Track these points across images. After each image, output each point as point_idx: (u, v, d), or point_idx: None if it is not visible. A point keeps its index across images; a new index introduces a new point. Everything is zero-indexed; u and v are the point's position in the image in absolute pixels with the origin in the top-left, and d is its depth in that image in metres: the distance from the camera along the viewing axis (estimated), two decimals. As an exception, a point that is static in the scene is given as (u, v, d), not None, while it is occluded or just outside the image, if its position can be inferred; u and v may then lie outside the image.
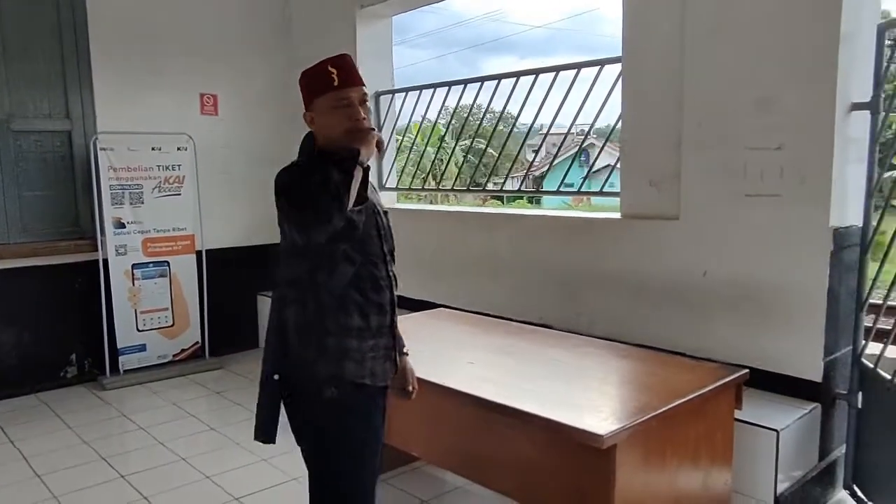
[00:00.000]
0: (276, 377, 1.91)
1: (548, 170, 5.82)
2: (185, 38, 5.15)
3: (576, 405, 2.23)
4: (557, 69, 4.04)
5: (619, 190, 3.68)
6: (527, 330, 3.19)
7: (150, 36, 4.98)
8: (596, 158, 4.50)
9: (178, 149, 4.96)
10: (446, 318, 3.55)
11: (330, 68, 1.86)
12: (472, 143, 12.05)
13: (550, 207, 12.91)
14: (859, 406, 2.97)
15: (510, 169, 8.67)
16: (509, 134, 5.88)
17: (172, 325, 5.03)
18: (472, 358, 2.80)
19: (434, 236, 4.61)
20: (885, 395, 2.80)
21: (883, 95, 2.88)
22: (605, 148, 4.26)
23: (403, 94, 5.01)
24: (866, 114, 2.91)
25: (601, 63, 3.82)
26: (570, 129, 4.53)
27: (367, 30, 5.08)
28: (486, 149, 11.68)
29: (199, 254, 5.13)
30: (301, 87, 1.96)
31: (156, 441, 3.82)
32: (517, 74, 4.26)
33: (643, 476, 2.12)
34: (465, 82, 4.60)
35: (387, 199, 5.23)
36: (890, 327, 2.86)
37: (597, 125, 4.37)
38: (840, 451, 3.08)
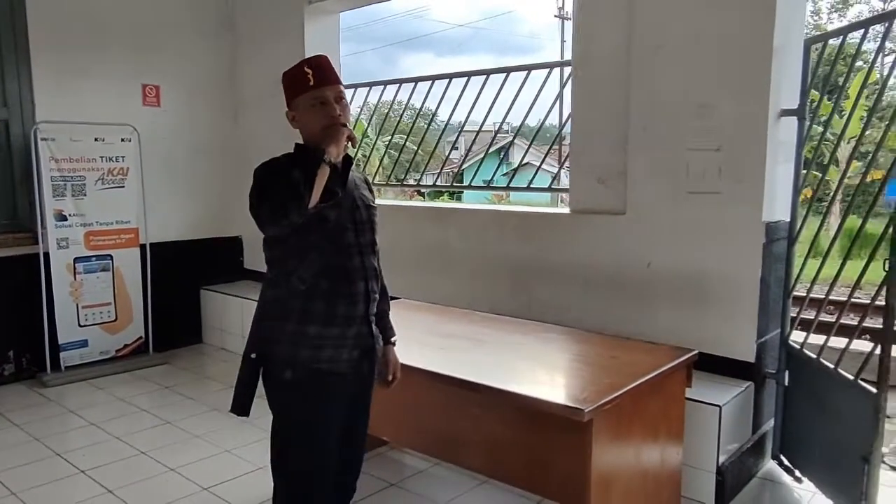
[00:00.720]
0: (252, 356, 1.99)
1: (476, 168, 6.04)
2: (126, 27, 5.03)
3: (548, 384, 2.42)
4: (508, 70, 4.23)
5: (545, 186, 3.91)
6: (489, 318, 3.35)
7: (90, 23, 4.84)
8: (524, 156, 4.70)
9: (123, 140, 4.86)
10: (409, 308, 3.67)
11: (306, 69, 1.97)
12: (406, 140, 12.14)
13: (470, 202, 13.21)
14: (786, 384, 3.29)
15: (443, 164, 8.87)
16: (443, 131, 6.06)
17: (115, 320, 4.92)
18: (441, 344, 2.94)
19: (388, 231, 4.70)
20: (809, 374, 3.13)
21: (808, 103, 3.22)
22: (529, 148, 4.58)
23: (352, 90, 5.09)
24: (794, 119, 3.22)
25: (550, 66, 4.05)
26: (499, 128, 4.81)
27: (315, 25, 5.12)
28: (412, 144, 11.80)
29: (143, 247, 5.04)
30: (283, 87, 2.06)
31: (110, 436, 3.77)
32: (468, 74, 4.44)
33: (614, 450, 2.32)
34: (416, 80, 4.74)
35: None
36: (812, 317, 3.20)
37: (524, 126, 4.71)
38: (769, 425, 3.40)
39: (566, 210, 3.90)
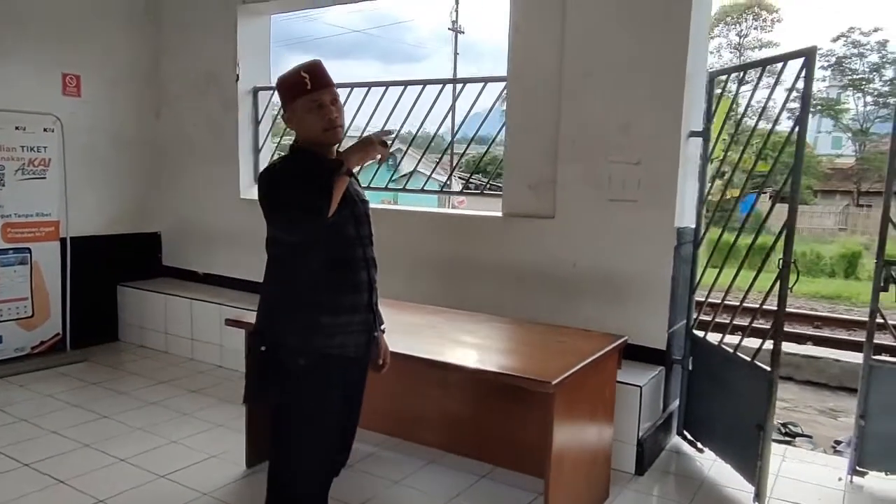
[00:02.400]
0: (262, 349, 2.16)
1: (372, 175, 6.48)
2: (45, 12, 4.88)
3: (511, 363, 2.72)
4: (444, 82, 4.53)
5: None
6: (440, 311, 3.62)
7: (8, 5, 4.67)
8: (417, 165, 5.05)
9: (45, 130, 4.73)
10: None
11: (303, 73, 2.13)
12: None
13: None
14: (690, 368, 3.80)
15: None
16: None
17: (32, 316, 4.76)
18: (402, 331, 3.18)
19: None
20: (711, 359, 3.64)
21: (711, 126, 3.75)
22: (411, 154, 4.95)
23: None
24: (700, 140, 3.74)
25: (485, 80, 4.39)
26: (394, 138, 5.10)
27: (248, 26, 5.19)
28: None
29: (63, 241, 4.90)
30: (278, 90, 2.22)
31: (46, 430, 3.71)
32: (406, 84, 4.67)
33: (567, 424, 2.66)
34: (352, 86, 4.92)
35: (263, 192, 5.38)
36: (711, 318, 3.73)
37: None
38: (675, 405, 3.90)
39: (499, 214, 4.25)
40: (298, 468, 2.21)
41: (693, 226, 3.82)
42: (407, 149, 5.50)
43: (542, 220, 4.02)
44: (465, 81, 4.43)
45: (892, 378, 3.34)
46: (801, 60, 3.07)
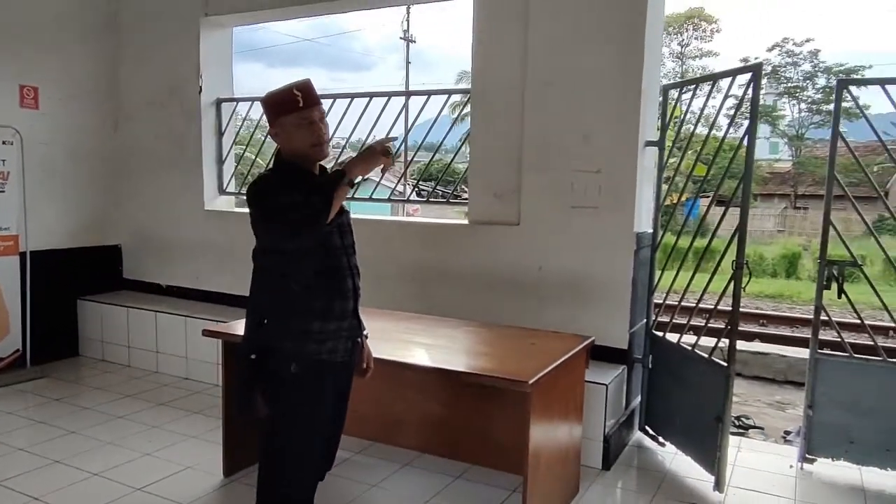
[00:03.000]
0: (252, 357, 2.22)
1: None
2: (2, 24, 4.80)
3: (488, 365, 2.84)
4: (409, 94, 4.65)
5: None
6: (412, 317, 3.70)
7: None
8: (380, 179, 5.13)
9: (3, 143, 4.64)
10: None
11: (295, 91, 2.22)
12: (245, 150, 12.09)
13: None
14: (650, 366, 3.98)
15: None
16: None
17: (-9, 333, 4.67)
18: (378, 336, 3.26)
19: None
20: (670, 356, 3.83)
21: (666, 136, 3.95)
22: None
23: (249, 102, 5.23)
24: (655, 149, 3.94)
25: (449, 92, 4.52)
26: (344, 146, 5.23)
27: (210, 38, 5.20)
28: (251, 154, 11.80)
29: (22, 255, 4.81)
30: (266, 105, 2.29)
31: (13, 448, 3.66)
32: (371, 95, 4.75)
33: (542, 423, 2.78)
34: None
35: (226, 204, 5.40)
36: (669, 318, 3.92)
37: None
38: (637, 402, 4.08)
39: (465, 221, 4.37)
40: (293, 476, 2.27)
41: (650, 230, 4.01)
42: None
43: (508, 226, 4.15)
44: (428, 94, 4.54)
45: (836, 370, 3.58)
46: (749, 75, 3.30)
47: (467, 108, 4.29)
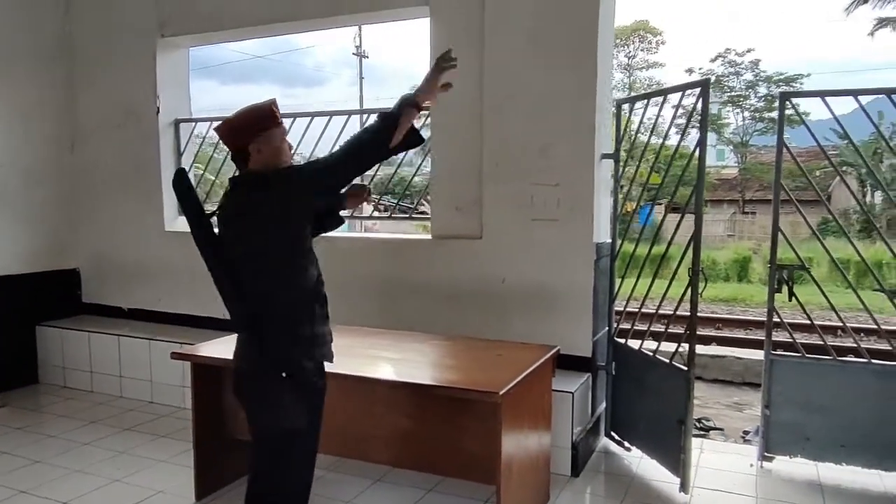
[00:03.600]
0: (283, 375, 2.26)
1: None
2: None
3: (458, 378, 2.89)
4: (367, 112, 4.68)
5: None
6: (378, 332, 3.74)
7: None
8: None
9: (-45, 168, 4.54)
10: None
11: (274, 108, 2.34)
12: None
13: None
14: (614, 373, 4.09)
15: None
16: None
17: (-56, 363, 4.53)
18: (345, 353, 3.29)
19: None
20: (632, 362, 3.93)
21: (620, 149, 4.09)
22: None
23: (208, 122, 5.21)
24: (611, 161, 4.07)
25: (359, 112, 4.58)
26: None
27: (167, 59, 5.18)
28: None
29: (-24, 283, 4.70)
30: (250, 120, 2.31)
31: (-26, 481, 3.56)
32: (331, 114, 4.79)
33: (513, 433, 2.84)
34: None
35: (187, 225, 5.33)
36: (630, 325, 4.04)
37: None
38: (602, 408, 4.17)
39: (428, 236, 4.43)
40: (310, 476, 2.39)
41: (609, 240, 4.13)
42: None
43: (470, 240, 4.23)
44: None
45: (790, 370, 3.74)
46: (698, 89, 3.45)
47: (418, 122, 4.36)
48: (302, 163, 2.42)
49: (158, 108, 5.11)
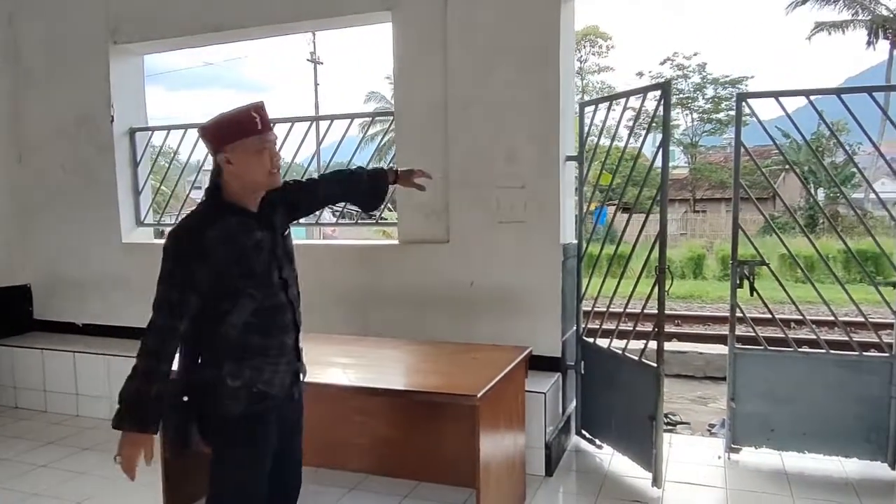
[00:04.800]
0: (184, 398, 2.12)
1: None
2: None
3: (435, 382, 2.88)
4: (332, 118, 4.65)
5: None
6: (350, 339, 3.70)
7: None
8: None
9: None
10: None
11: (253, 113, 2.06)
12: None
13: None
14: (583, 372, 4.13)
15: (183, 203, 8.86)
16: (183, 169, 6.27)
17: None
18: (320, 361, 3.25)
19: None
20: (601, 361, 3.98)
21: (584, 151, 4.14)
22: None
23: (165, 131, 5.10)
24: (575, 164, 4.12)
25: (373, 115, 4.56)
26: None
27: (121, 66, 5.04)
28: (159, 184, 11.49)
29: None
30: (218, 129, 2.08)
31: (-74, 510, 3.40)
32: (293, 120, 4.73)
33: (490, 435, 2.84)
34: (187, 127, 4.91)
35: (144, 236, 5.22)
36: (598, 325, 4.09)
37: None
38: (572, 407, 4.21)
39: (395, 242, 4.41)
40: None
41: (575, 241, 4.18)
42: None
43: (438, 244, 4.22)
44: (352, 117, 4.58)
45: (753, 363, 3.83)
46: (657, 92, 3.52)
47: (375, 128, 4.36)
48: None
49: (113, 117, 4.97)
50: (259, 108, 2.10)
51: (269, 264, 2.15)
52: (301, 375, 2.33)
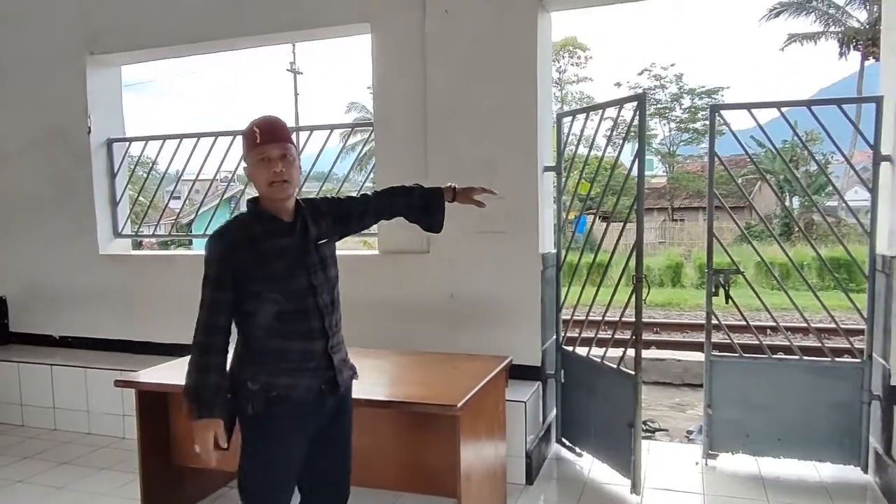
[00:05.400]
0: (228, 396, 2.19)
1: (210, 216, 6.42)
2: None
3: (416, 393, 2.89)
4: (312, 129, 4.67)
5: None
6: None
7: None
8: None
9: None
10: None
11: (255, 128, 2.18)
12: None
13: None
14: (563, 381, 4.16)
15: (162, 213, 8.82)
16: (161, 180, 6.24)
17: None
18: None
19: (186, 280, 4.75)
20: (580, 370, 4.02)
21: (562, 161, 4.19)
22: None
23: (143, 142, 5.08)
24: (553, 174, 4.17)
25: (353, 126, 4.58)
26: (231, 178, 5.25)
27: (98, 77, 5.02)
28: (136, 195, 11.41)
29: None
30: (242, 141, 2.27)
31: None
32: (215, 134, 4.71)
33: (471, 444, 2.86)
34: (198, 136, 4.91)
35: (122, 247, 5.18)
36: (577, 333, 4.13)
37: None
38: (552, 416, 4.24)
39: (376, 252, 4.43)
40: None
41: (554, 251, 4.22)
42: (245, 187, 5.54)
43: (418, 254, 4.24)
44: (332, 128, 4.59)
45: (729, 370, 3.89)
46: (634, 103, 3.58)
47: (356, 138, 4.39)
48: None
49: (90, 128, 4.94)
50: (262, 121, 2.20)
51: (291, 270, 2.20)
52: (339, 385, 2.32)
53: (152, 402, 3.29)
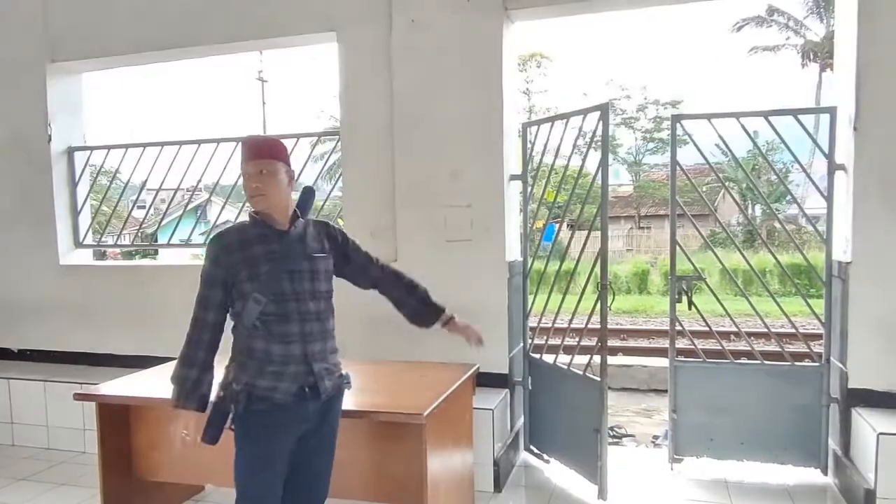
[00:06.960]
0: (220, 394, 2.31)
1: (175, 225, 6.34)
2: None
3: (380, 402, 2.89)
4: (280, 137, 4.62)
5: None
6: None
7: None
8: (220, 212, 5.21)
9: None
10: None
11: (245, 143, 2.37)
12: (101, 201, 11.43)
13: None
14: (530, 388, 4.19)
15: (124, 223, 8.71)
16: (124, 189, 6.16)
17: None
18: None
19: (149, 291, 4.69)
20: (547, 376, 4.05)
21: (528, 170, 4.23)
22: (224, 205, 5.31)
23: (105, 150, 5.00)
24: (519, 182, 4.20)
25: (319, 135, 4.57)
26: (196, 187, 5.24)
27: (59, 84, 4.93)
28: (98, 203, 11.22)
29: None
30: None
31: None
32: (238, 140, 4.71)
33: (438, 453, 2.86)
34: (162, 144, 4.86)
35: (84, 258, 5.08)
36: (544, 340, 4.16)
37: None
38: (520, 423, 4.25)
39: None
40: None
41: (521, 258, 4.25)
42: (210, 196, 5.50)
43: (385, 264, 4.22)
44: (298, 136, 4.57)
45: (692, 375, 3.95)
46: (597, 113, 3.63)
47: (323, 147, 4.38)
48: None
49: (50, 137, 4.85)
50: (245, 140, 2.40)
51: (277, 273, 2.30)
52: (320, 391, 2.36)
53: (113, 415, 3.22)
